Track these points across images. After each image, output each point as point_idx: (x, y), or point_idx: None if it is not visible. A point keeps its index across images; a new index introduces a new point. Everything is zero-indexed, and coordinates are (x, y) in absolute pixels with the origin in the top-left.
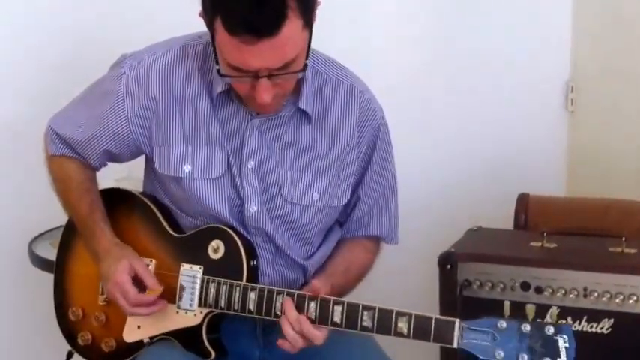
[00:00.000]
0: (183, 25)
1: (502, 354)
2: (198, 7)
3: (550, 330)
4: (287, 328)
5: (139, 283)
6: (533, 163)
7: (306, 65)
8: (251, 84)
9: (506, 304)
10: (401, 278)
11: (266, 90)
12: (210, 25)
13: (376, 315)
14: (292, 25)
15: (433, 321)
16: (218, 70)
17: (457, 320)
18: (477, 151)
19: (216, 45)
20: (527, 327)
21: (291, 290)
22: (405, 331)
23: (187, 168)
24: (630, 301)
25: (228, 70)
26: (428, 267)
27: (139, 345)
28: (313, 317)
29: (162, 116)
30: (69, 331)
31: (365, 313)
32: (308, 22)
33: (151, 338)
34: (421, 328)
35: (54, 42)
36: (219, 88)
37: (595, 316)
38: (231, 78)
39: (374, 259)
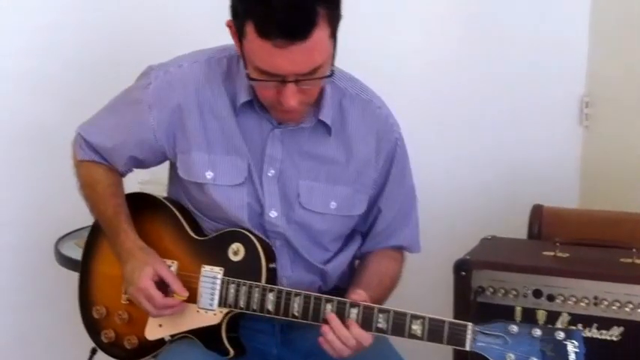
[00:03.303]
0: (211, 31)
1: (513, 357)
2: (227, 16)
3: (560, 335)
4: (331, 336)
5: (162, 287)
6: (548, 176)
7: (332, 72)
8: (277, 89)
9: (518, 309)
10: (417, 284)
11: (293, 95)
12: (240, 30)
13: (391, 317)
14: (321, 32)
15: (446, 324)
16: (247, 75)
17: (470, 324)
18: (494, 163)
19: (246, 50)
20: (537, 331)
21: (309, 292)
22: (419, 333)
23: (209, 174)
24: (639, 310)
25: (257, 75)
26: (443, 273)
27: (160, 343)
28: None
29: (186, 125)
30: (93, 328)
31: (380, 315)
32: (334, 33)
33: (172, 336)
34: (435, 331)
35: (81, 47)
36: (242, 98)
37: (605, 323)
38: (259, 82)
39: (401, 269)
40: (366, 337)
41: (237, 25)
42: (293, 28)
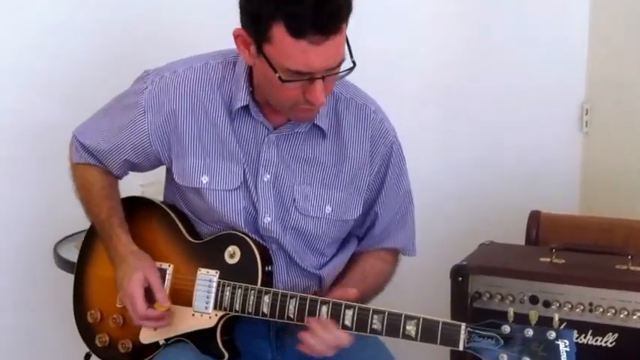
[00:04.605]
0: (210, 35)
1: (505, 357)
2: (226, 21)
3: (552, 335)
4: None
5: (151, 295)
6: (548, 182)
7: (354, 63)
8: (303, 88)
9: (510, 310)
10: (415, 289)
11: (322, 91)
12: (260, 35)
13: (386, 318)
14: (344, 25)
15: (440, 325)
16: (279, 78)
17: (463, 324)
18: (494, 168)
19: (271, 54)
20: (529, 332)
21: (304, 295)
22: (413, 334)
23: (205, 179)
24: (634, 317)
25: (289, 76)
26: (441, 278)
27: (154, 347)
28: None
29: (180, 130)
30: (87, 332)
31: (375, 316)
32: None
33: (166, 340)
34: (428, 331)
35: (86, 47)
36: (238, 103)
37: (600, 330)
38: (291, 83)
39: (392, 270)
40: (345, 338)
41: (257, 31)
42: (328, 24)
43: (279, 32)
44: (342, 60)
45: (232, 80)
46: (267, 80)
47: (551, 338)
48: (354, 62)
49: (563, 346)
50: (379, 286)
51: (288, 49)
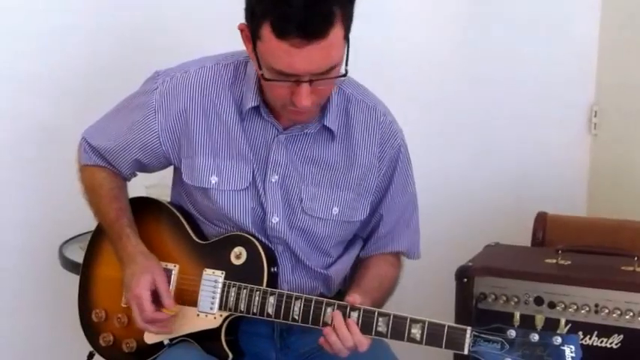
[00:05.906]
0: (220, 37)
1: None
2: (235, 22)
3: (557, 340)
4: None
5: (158, 297)
6: (556, 184)
7: (347, 72)
8: (291, 90)
9: (516, 314)
10: (420, 290)
11: (307, 95)
12: (255, 31)
13: (391, 321)
14: (337, 31)
15: (446, 328)
16: (262, 75)
17: (469, 328)
18: (502, 170)
19: (260, 52)
20: (535, 336)
21: (309, 296)
22: (418, 337)
23: (214, 179)
24: (639, 318)
25: (272, 75)
26: (447, 279)
27: (158, 346)
28: (329, 322)
29: (191, 130)
30: (91, 332)
31: (380, 319)
32: (347, 35)
33: (171, 340)
34: (433, 335)
35: (93, 48)
36: (249, 104)
37: (605, 331)
38: (273, 82)
39: (399, 273)
40: (364, 343)
41: (252, 27)
42: (311, 28)
43: (266, 31)
44: (333, 65)
45: (243, 80)
46: (260, 77)
47: (557, 344)
48: (346, 71)
49: (569, 351)
50: (391, 292)
51: (273, 48)
